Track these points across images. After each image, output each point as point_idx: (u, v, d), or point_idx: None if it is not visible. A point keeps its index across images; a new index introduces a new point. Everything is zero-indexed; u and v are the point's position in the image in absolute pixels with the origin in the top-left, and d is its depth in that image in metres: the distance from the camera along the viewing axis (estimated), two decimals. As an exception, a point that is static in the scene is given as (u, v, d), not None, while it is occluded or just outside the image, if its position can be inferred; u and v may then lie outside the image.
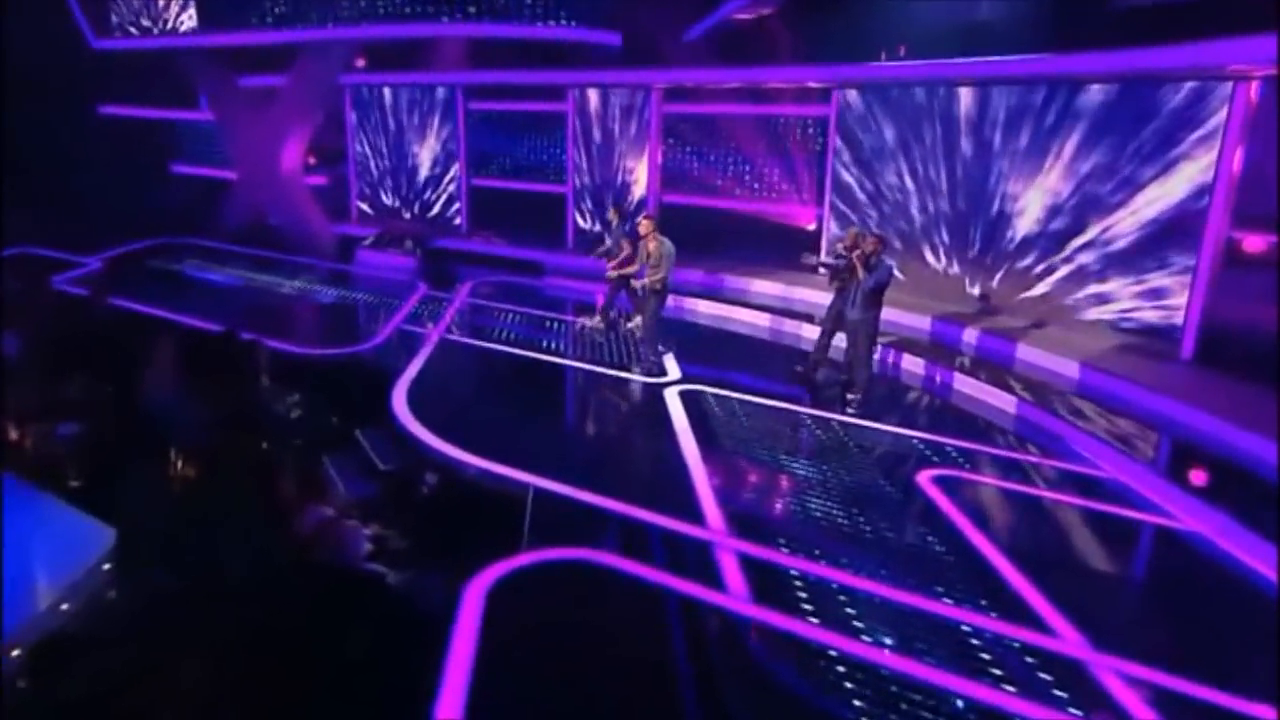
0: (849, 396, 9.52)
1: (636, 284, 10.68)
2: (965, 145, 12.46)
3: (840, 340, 9.98)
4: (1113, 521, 7.09)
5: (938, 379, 10.64)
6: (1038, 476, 8.02)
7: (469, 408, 9.33)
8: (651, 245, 10.46)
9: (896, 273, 11.87)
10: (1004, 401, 9.74)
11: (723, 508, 7.06)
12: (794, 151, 15.35)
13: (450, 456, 7.83)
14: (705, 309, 13.34)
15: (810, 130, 15.01)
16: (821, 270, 9.75)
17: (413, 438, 8.16)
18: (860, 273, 9.57)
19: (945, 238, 13.11)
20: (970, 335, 11.64)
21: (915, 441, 8.74)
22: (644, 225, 10.43)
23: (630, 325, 11.59)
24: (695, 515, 6.86)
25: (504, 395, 9.93)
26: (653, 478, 7.54)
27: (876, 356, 9.70)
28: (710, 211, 15.51)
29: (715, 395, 9.97)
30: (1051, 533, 6.95)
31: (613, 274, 10.98)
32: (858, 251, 9.45)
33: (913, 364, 11.02)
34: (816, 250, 12.91)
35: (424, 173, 18.30)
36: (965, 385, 10.16)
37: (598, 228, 16.03)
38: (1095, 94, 11.09)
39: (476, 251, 16.58)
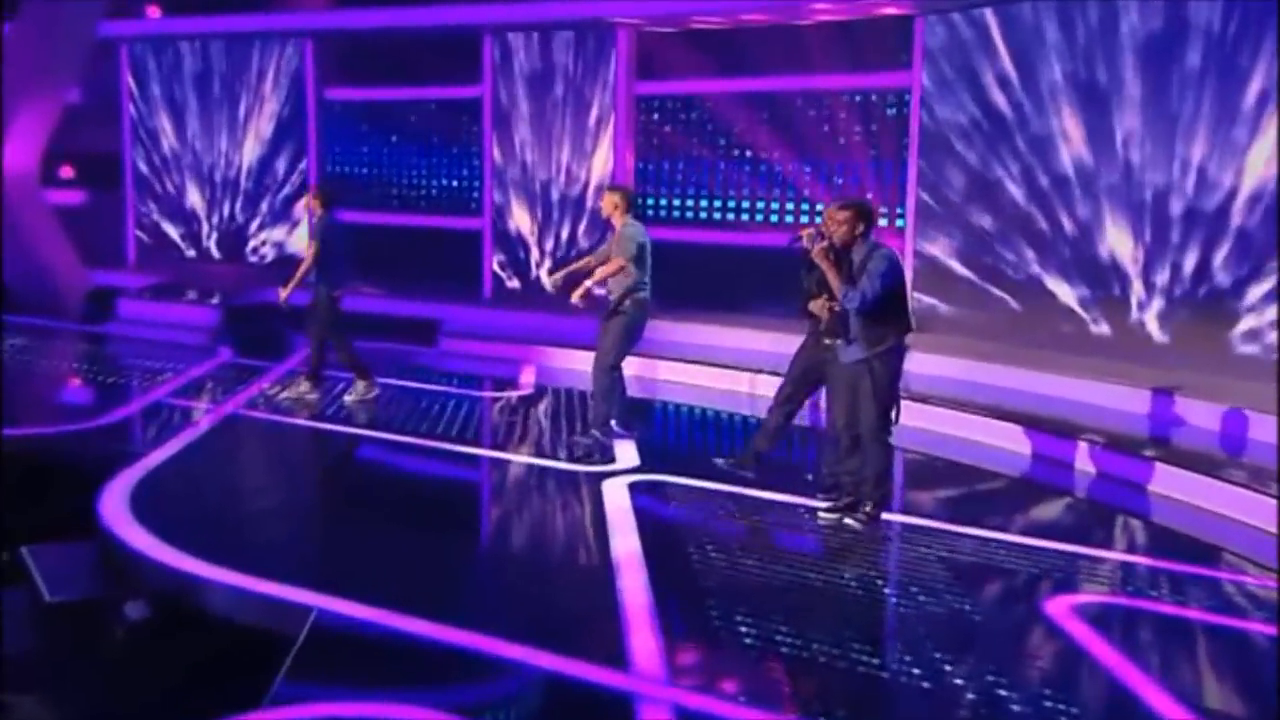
0: (850, 522, 7.21)
1: (578, 298, 8.76)
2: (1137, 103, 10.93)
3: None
4: None
5: (1104, 472, 8.91)
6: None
7: (244, 506, 7.68)
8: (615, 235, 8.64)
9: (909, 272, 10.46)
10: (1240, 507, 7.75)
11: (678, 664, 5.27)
12: (848, 150, 13.21)
13: (197, 577, 6.13)
14: (706, 378, 11.97)
15: (875, 113, 13.16)
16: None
17: (135, 552, 6.45)
18: (832, 277, 6.92)
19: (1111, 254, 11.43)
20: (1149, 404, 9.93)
21: (1051, 555, 7.06)
22: (606, 202, 8.88)
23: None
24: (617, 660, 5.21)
25: (313, 489, 8.35)
26: (548, 604, 6.05)
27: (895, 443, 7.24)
28: (718, 250, 13.90)
29: (690, 488, 8.01)
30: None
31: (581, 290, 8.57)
32: (822, 241, 6.85)
33: (1055, 450, 9.27)
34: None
35: (248, 186, 16.79)
36: (1174, 486, 8.30)
37: (532, 276, 14.91)
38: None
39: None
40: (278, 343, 13.15)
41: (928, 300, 12.20)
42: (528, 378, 11.68)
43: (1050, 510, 8.12)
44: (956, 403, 9.85)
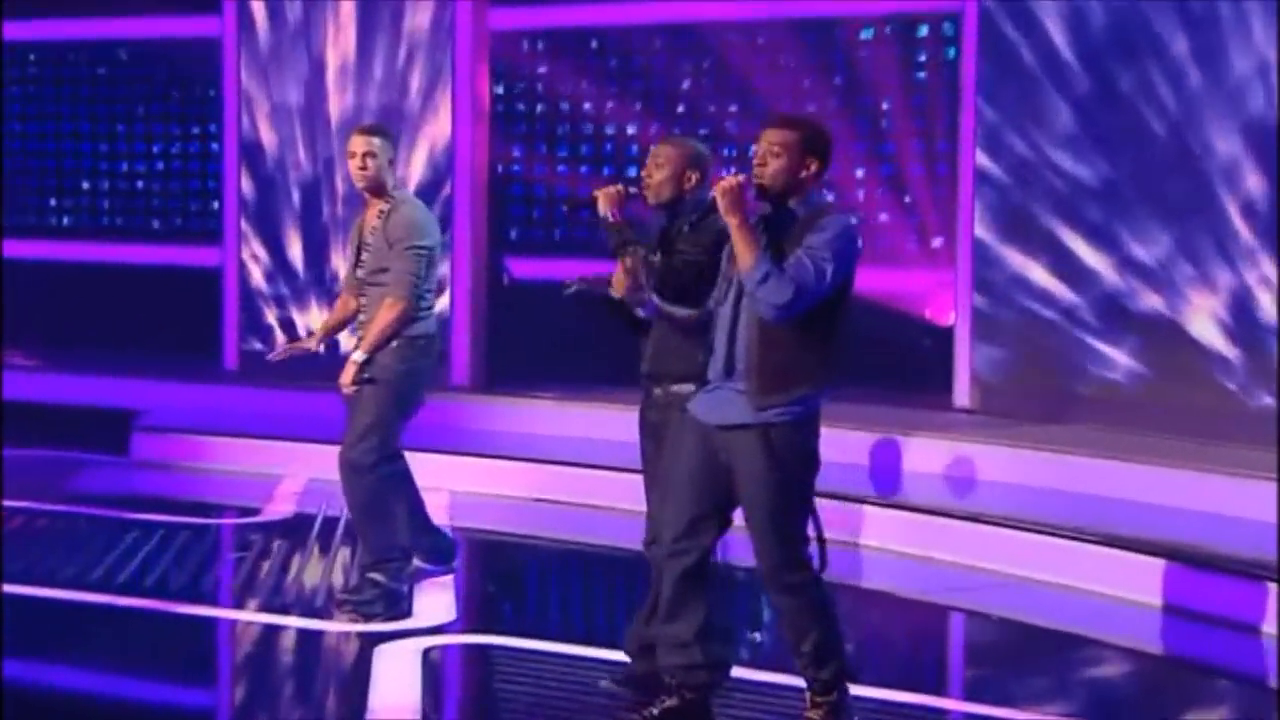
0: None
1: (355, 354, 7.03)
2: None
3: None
4: None
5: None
6: None
7: None
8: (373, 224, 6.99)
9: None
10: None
11: None
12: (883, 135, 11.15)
13: None
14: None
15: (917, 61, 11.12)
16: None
17: None
18: (744, 241, 4.90)
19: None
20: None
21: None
22: (359, 150, 6.80)
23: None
24: None
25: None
26: None
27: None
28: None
29: (531, 654, 6.82)
30: None
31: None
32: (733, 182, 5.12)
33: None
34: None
35: None
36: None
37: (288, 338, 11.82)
38: None
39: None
40: None
41: (988, 350, 10.57)
42: (285, 494, 10.25)
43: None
44: (1040, 524, 8.20)
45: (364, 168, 6.91)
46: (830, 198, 10.42)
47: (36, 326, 13.44)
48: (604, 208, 5.46)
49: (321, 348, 7.74)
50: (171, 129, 13.40)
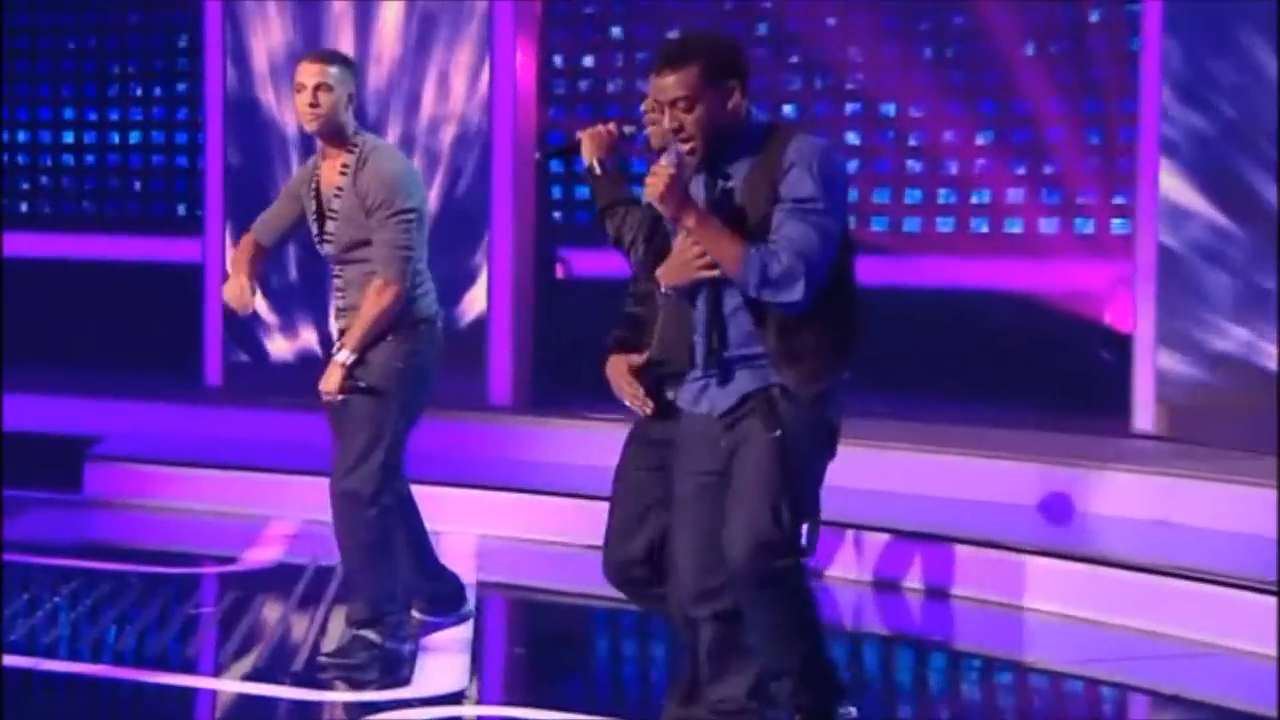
0: None
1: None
2: None
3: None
4: None
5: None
6: None
7: None
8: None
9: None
10: None
11: None
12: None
13: None
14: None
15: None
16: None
17: None
18: (707, 233, 4.22)
19: None
20: None
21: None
22: (312, 81, 5.76)
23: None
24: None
25: None
26: None
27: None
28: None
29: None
30: None
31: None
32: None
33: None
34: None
35: None
36: None
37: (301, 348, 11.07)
38: None
39: None
40: None
41: (1178, 368, 9.22)
42: (271, 539, 9.18)
43: None
44: (1244, 580, 6.89)
45: (315, 104, 5.88)
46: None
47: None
48: (589, 153, 4.89)
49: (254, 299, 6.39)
50: (127, 90, 12.27)
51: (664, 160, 4.61)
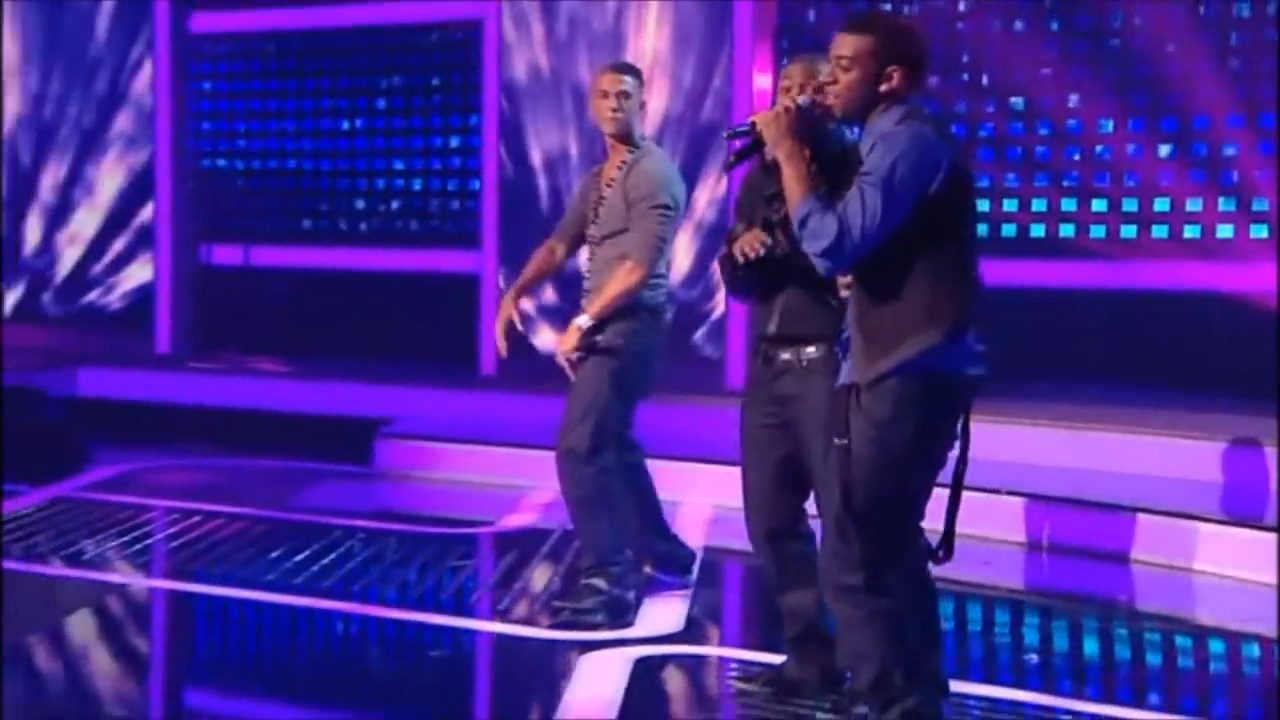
0: None
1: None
2: None
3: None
4: None
5: None
6: None
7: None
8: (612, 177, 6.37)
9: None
10: None
11: None
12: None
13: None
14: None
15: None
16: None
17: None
18: (795, 175, 4.14)
19: None
20: None
21: None
22: (608, 90, 6.17)
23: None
24: None
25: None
26: None
27: None
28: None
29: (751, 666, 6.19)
30: None
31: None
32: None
33: None
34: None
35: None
36: None
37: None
38: None
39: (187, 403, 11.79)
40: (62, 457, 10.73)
41: None
42: (528, 506, 9.63)
43: None
44: None
45: (617, 109, 6.27)
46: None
47: (288, 334, 13.38)
48: (774, 142, 4.32)
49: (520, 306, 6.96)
50: (428, 120, 12.55)
51: (798, 98, 4.44)
